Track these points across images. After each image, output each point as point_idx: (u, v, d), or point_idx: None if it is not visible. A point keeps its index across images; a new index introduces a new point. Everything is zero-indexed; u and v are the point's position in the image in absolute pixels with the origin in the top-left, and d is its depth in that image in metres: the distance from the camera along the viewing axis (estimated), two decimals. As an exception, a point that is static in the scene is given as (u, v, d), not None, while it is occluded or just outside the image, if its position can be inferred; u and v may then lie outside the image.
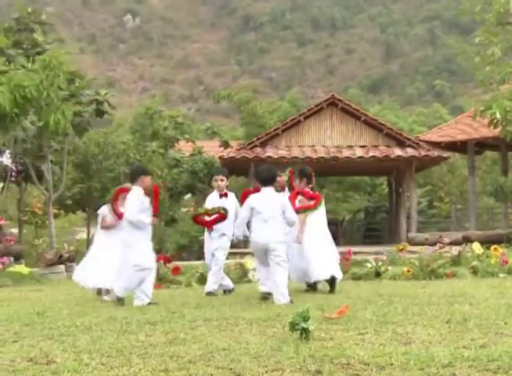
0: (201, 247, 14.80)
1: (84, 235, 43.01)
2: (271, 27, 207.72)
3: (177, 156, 37.63)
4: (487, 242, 22.44)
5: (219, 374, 6.18)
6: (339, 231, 38.33)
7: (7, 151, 17.55)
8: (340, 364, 6.34)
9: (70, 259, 20.69)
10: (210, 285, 13.05)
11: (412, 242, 23.54)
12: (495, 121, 23.96)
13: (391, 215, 37.29)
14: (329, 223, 40.05)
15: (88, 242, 39.96)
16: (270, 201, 11.69)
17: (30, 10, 29.75)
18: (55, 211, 32.07)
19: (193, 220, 14.08)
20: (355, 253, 22.68)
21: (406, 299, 11.16)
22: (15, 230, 35.66)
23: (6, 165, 17.48)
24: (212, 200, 13.30)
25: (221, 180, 13.23)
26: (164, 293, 13.62)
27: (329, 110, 33.11)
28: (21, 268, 17.85)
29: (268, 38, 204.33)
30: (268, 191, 11.76)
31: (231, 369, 6.26)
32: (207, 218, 13.27)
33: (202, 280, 15.04)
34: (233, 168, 33.18)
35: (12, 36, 28.50)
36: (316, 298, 11.80)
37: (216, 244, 13.21)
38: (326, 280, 12.87)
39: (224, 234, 13.21)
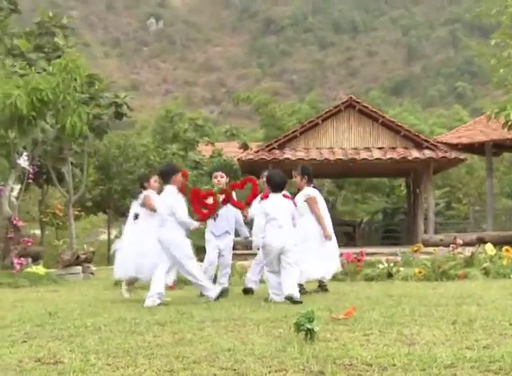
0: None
1: (105, 236, 43.10)
2: (292, 30, 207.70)
3: (197, 158, 37.68)
4: (501, 243, 22.32)
5: (223, 374, 6.19)
6: (357, 232, 38.38)
7: (24, 154, 17.57)
8: (343, 365, 6.35)
9: (87, 260, 20.75)
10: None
11: (426, 243, 23.48)
12: (509, 122, 23.90)
13: (409, 216, 37.11)
14: (347, 224, 40.14)
15: (109, 243, 40.15)
16: (282, 207, 11.79)
17: (51, 14, 29.83)
18: (76, 212, 32.19)
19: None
20: (372, 254, 22.67)
21: (415, 300, 11.14)
22: (37, 231, 35.87)
23: (23, 167, 17.49)
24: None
25: (221, 177, 13.22)
26: (176, 294, 13.67)
27: (347, 112, 33.05)
28: (38, 269, 17.88)
29: (289, 41, 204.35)
30: (278, 197, 11.85)
31: (235, 369, 6.28)
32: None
33: (214, 280, 15.12)
34: (252, 169, 33.19)
35: (33, 40, 28.63)
36: (326, 298, 11.78)
37: (222, 243, 13.26)
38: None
39: (228, 232, 13.29)
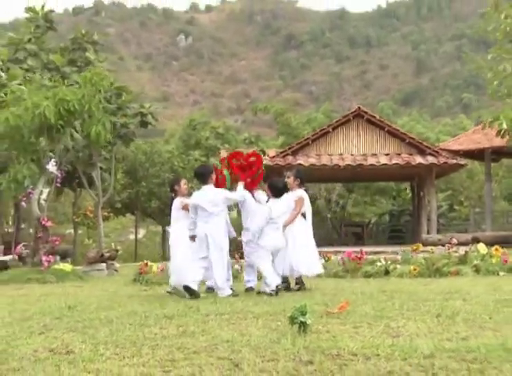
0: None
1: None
2: (311, 45, 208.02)
3: (217, 163, 37.68)
4: (495, 243, 22.23)
5: (219, 363, 6.21)
6: (365, 232, 38.37)
7: (53, 160, 17.61)
8: (331, 355, 6.36)
9: (111, 258, 20.77)
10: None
11: (425, 243, 23.40)
12: (502, 131, 23.82)
13: (414, 217, 37.06)
14: (356, 225, 40.01)
15: (136, 242, 40.35)
16: (282, 211, 11.94)
17: (83, 31, 29.96)
18: (106, 213, 32.33)
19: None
20: (378, 252, 22.62)
21: (405, 295, 11.09)
22: (72, 231, 36.08)
23: (52, 172, 17.54)
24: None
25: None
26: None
27: (356, 121, 33.00)
28: (65, 266, 17.93)
29: (308, 55, 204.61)
30: (279, 201, 11.94)
31: (231, 359, 6.29)
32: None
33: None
34: (268, 174, 33.14)
35: (67, 55, 28.78)
36: (323, 294, 11.73)
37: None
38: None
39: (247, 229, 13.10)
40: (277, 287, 11.54)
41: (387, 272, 14.90)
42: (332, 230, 39.63)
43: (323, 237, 38.81)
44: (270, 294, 11.38)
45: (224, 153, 28.93)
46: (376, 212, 45.25)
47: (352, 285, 13.32)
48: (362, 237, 36.86)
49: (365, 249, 24.46)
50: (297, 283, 12.72)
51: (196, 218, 11.79)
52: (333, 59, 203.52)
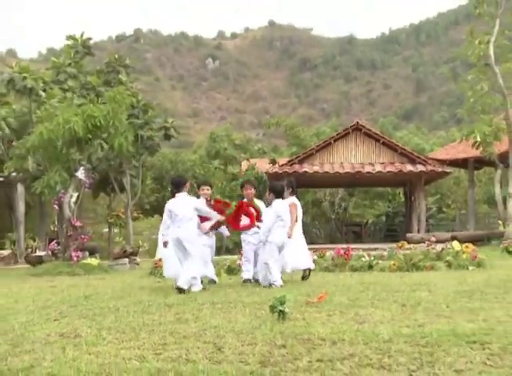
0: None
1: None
2: (323, 68, 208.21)
3: (234, 171, 37.70)
4: (470, 241, 22.16)
5: (204, 347, 6.24)
6: (363, 231, 38.27)
7: (81, 168, 17.73)
8: (302, 339, 6.39)
9: (133, 253, 20.80)
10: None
11: (410, 241, 23.26)
12: (477, 143, 23.76)
13: (406, 218, 36.98)
14: (355, 225, 39.83)
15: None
16: (286, 209, 12.07)
17: (116, 56, 30.14)
18: (136, 214, 32.47)
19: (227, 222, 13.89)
20: (374, 249, 22.52)
21: (380, 287, 11.04)
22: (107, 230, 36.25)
23: (80, 179, 17.65)
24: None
25: (207, 190, 13.20)
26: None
27: (354, 133, 32.98)
28: (92, 260, 17.99)
29: (320, 76, 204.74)
30: (282, 201, 12.09)
31: (215, 343, 6.33)
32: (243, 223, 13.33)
33: (229, 270, 15.14)
34: (277, 180, 33.28)
35: (102, 76, 28.99)
36: (309, 285, 11.69)
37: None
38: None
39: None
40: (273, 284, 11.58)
41: (370, 267, 14.85)
42: (335, 229, 39.56)
43: (328, 235, 38.87)
44: (264, 286, 11.42)
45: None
46: (374, 213, 45.14)
47: (337, 278, 13.27)
48: (360, 235, 36.79)
49: (363, 246, 24.52)
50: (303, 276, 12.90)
51: (170, 223, 11.62)
52: (342, 80, 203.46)
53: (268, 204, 12.28)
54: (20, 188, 25.38)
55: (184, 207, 11.60)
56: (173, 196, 11.84)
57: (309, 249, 13.79)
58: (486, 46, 24.38)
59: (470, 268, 14.54)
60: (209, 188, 13.27)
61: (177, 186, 11.93)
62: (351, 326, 7.05)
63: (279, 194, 12.06)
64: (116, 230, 36.39)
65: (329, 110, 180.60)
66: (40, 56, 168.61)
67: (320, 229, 40.45)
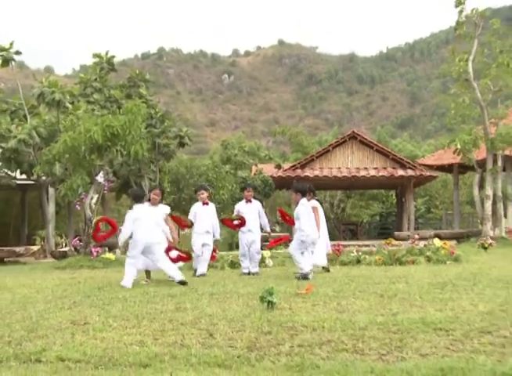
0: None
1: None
2: (327, 82, 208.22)
3: (243, 175, 37.66)
4: (452, 238, 22.10)
5: (198, 333, 6.30)
6: (358, 229, 38.20)
7: (101, 172, 17.78)
8: (286, 327, 6.45)
9: (148, 250, 20.81)
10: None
11: (397, 238, 23.16)
12: (457, 150, 23.72)
13: (398, 217, 36.90)
14: (352, 223, 39.66)
15: (179, 236, 40.51)
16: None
17: (137, 72, 30.18)
18: (155, 214, 32.52)
19: (222, 222, 14.07)
20: (367, 246, 22.44)
21: (363, 279, 11.03)
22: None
23: (100, 182, 17.70)
24: (198, 208, 13.32)
25: (203, 194, 13.35)
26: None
27: (351, 141, 32.87)
28: (110, 255, 17.96)
29: (325, 90, 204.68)
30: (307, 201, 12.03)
31: (208, 330, 6.40)
32: (235, 223, 13.51)
33: (232, 264, 15.14)
34: (282, 183, 33.47)
35: (124, 90, 29.02)
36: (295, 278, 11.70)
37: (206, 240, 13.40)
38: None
39: (208, 232, 13.38)
40: (306, 273, 11.54)
41: (358, 262, 14.81)
42: (334, 228, 39.54)
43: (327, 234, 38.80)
44: (298, 278, 11.38)
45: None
46: (369, 213, 45.05)
47: (326, 271, 13.16)
48: (356, 233, 36.72)
49: (357, 243, 24.41)
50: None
51: (134, 228, 11.51)
52: (344, 93, 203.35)
53: (296, 204, 12.04)
54: (51, 190, 25.46)
55: (148, 216, 11.64)
56: (135, 204, 11.88)
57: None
58: (466, 64, 24.38)
59: (448, 262, 14.51)
60: (203, 192, 13.43)
61: (136, 199, 11.98)
62: (332, 315, 7.09)
63: (304, 194, 11.95)
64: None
65: (333, 120, 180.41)
66: (73, 72, 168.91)
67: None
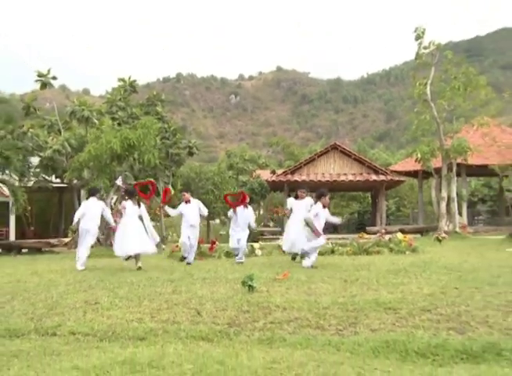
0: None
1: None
2: (318, 102, 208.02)
3: (244, 179, 37.65)
4: (414, 232, 22.07)
5: (188, 312, 6.34)
6: (340, 225, 38.00)
7: (120, 177, 17.80)
8: (262, 307, 6.47)
9: (159, 241, 20.69)
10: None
11: (369, 232, 23.14)
12: (418, 159, 23.78)
13: (372, 215, 36.87)
14: (333, 220, 38.87)
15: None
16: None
17: (155, 93, 30.23)
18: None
19: (224, 198, 14.28)
20: (345, 238, 22.39)
21: (333, 267, 11.02)
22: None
23: (119, 185, 17.75)
24: (182, 206, 13.36)
25: (184, 195, 13.46)
26: (201, 263, 13.42)
27: (333, 151, 32.90)
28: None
29: (316, 108, 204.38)
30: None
31: (196, 309, 6.44)
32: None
33: (227, 254, 15.11)
34: (275, 187, 33.45)
35: (144, 108, 29.05)
36: (281, 266, 11.62)
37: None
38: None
39: (192, 225, 13.40)
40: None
41: (332, 252, 14.79)
42: (319, 224, 39.45)
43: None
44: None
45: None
46: (349, 211, 44.96)
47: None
48: (337, 228, 36.59)
49: (338, 236, 24.37)
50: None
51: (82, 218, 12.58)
52: (332, 111, 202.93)
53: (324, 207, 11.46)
54: (83, 192, 25.52)
55: (93, 209, 12.58)
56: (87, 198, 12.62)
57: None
58: (425, 87, 24.41)
59: (407, 253, 14.47)
60: (184, 193, 13.52)
61: (91, 194, 13.00)
62: (301, 297, 7.11)
63: (318, 198, 11.52)
64: (153, 224, 36.37)
65: (322, 133, 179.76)
66: (106, 93, 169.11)
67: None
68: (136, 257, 11.99)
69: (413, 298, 6.83)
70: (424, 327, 5.47)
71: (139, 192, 12.93)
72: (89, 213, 12.46)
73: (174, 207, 14.11)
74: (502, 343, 4.72)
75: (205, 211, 13.65)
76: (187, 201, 13.27)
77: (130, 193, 12.33)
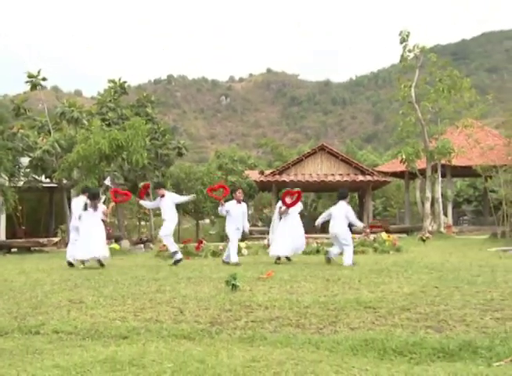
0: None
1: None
2: (307, 103, 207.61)
3: (233, 179, 37.56)
4: (399, 232, 22.12)
5: (171, 310, 6.30)
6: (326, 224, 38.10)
7: (108, 177, 17.69)
8: (244, 305, 6.44)
9: (147, 241, 20.77)
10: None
11: (355, 231, 23.12)
12: (402, 160, 23.86)
13: (360, 215, 36.85)
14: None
15: (179, 231, 40.48)
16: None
17: (144, 94, 30.08)
18: (158, 211, 32.42)
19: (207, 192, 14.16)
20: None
21: (316, 266, 11.04)
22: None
23: (107, 185, 17.66)
24: (157, 200, 13.30)
25: (160, 190, 13.18)
26: (187, 262, 13.36)
27: (320, 152, 32.96)
28: (115, 246, 17.81)
29: (305, 110, 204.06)
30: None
31: (179, 308, 6.40)
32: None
33: (213, 253, 15.07)
34: (264, 187, 33.40)
35: (134, 110, 28.88)
36: (266, 265, 11.64)
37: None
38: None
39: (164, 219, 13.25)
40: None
41: (317, 251, 14.78)
42: (307, 223, 39.51)
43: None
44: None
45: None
46: (336, 211, 44.98)
47: (292, 259, 13.02)
48: (324, 228, 36.67)
49: (325, 235, 24.32)
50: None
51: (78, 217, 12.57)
52: (321, 113, 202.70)
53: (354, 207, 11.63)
54: (73, 192, 25.38)
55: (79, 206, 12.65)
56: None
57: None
58: (409, 89, 24.52)
59: (391, 252, 14.50)
60: (161, 188, 13.32)
61: (87, 193, 12.87)
62: (283, 295, 7.10)
63: (340, 198, 12.33)
64: (143, 223, 36.28)
65: (311, 134, 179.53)
66: (98, 95, 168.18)
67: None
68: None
69: (393, 297, 6.84)
70: (403, 325, 5.46)
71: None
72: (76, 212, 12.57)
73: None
74: (479, 341, 4.73)
75: (182, 198, 13.68)
76: (162, 196, 13.19)
77: (93, 196, 12.38)
